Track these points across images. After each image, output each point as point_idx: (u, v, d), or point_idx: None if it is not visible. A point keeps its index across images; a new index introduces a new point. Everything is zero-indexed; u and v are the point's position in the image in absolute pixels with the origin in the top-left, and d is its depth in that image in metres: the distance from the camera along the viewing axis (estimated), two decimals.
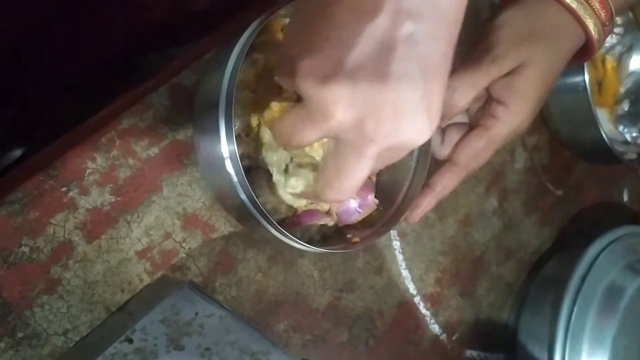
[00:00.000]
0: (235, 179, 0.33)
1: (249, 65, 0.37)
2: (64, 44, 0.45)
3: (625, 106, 0.66)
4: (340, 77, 0.24)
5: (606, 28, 0.41)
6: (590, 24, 0.40)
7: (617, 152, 0.60)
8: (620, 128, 0.66)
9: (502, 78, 0.40)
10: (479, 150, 0.41)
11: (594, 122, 0.58)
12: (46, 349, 0.33)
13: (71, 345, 0.33)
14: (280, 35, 0.38)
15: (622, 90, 0.66)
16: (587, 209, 0.67)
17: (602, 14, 0.40)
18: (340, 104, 0.25)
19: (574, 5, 0.39)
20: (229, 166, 0.33)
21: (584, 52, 0.42)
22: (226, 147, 0.33)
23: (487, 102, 0.41)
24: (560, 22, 0.40)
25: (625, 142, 0.66)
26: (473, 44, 0.42)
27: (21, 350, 0.32)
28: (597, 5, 0.39)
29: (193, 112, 0.38)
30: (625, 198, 0.72)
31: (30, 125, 0.57)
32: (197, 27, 0.47)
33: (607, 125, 0.65)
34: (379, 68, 0.24)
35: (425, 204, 0.41)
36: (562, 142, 0.63)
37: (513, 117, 0.40)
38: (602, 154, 0.61)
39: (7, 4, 0.40)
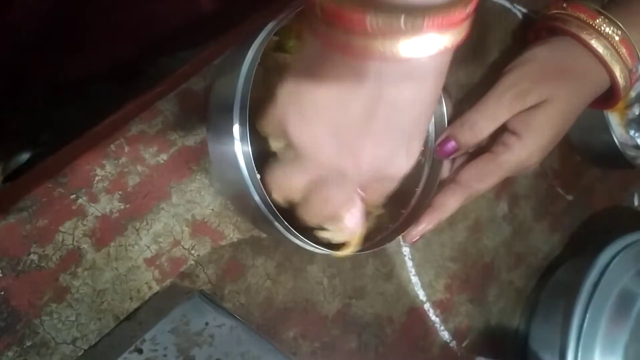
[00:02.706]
0: (249, 181, 0.33)
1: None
2: (71, 48, 0.45)
3: (636, 110, 0.65)
4: (326, 136, 0.27)
5: (633, 75, 0.41)
6: (617, 70, 0.40)
7: (628, 156, 0.59)
8: (631, 132, 0.65)
9: (522, 111, 0.40)
10: (484, 172, 0.41)
11: (605, 126, 0.57)
12: (55, 357, 0.32)
13: (80, 354, 0.32)
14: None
15: (632, 94, 0.66)
16: (598, 214, 0.66)
17: (629, 61, 0.40)
18: (325, 154, 0.28)
19: (600, 50, 0.39)
20: (244, 169, 0.33)
21: (609, 98, 0.42)
22: (240, 151, 0.32)
23: (500, 130, 0.41)
24: (587, 65, 0.40)
25: (636, 147, 0.65)
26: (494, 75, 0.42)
27: (29, 359, 0.32)
28: (624, 51, 0.39)
29: (206, 114, 0.38)
30: (636, 203, 0.72)
31: (37, 129, 0.57)
32: (205, 32, 0.47)
33: (617, 130, 0.64)
34: (361, 129, 0.27)
35: (425, 223, 0.41)
36: (573, 146, 0.63)
37: (524, 149, 0.40)
38: (613, 158, 0.60)
39: (17, 7, 0.40)
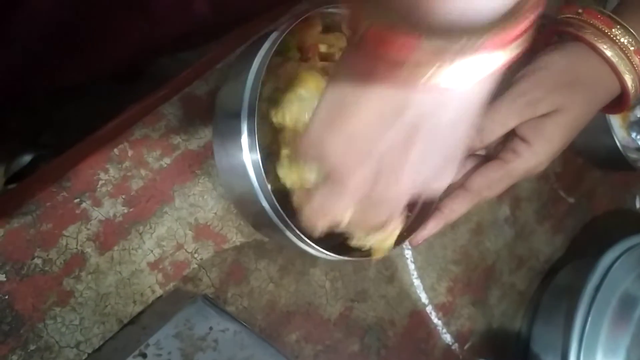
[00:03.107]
0: (259, 190, 0.33)
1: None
2: (72, 51, 0.45)
3: (638, 113, 0.65)
4: (365, 163, 0.27)
5: None
6: (629, 80, 0.39)
7: (630, 159, 0.59)
8: (633, 135, 0.66)
9: (532, 119, 0.40)
10: (494, 180, 0.40)
11: (607, 129, 0.57)
12: None
13: (84, 358, 0.33)
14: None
15: None
16: (600, 216, 0.66)
17: None
18: (365, 181, 0.28)
19: (614, 59, 0.39)
20: (251, 173, 0.33)
21: (617, 104, 0.42)
22: (248, 155, 0.33)
23: (509, 137, 0.41)
24: (600, 74, 0.40)
25: (638, 150, 0.65)
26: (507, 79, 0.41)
27: None
28: (636, 60, 0.39)
29: (212, 119, 0.38)
30: (638, 206, 0.72)
31: (38, 130, 0.57)
32: (200, 35, 0.47)
33: (619, 132, 0.64)
34: (401, 156, 0.26)
35: (431, 227, 0.41)
36: (575, 149, 0.63)
37: (533, 157, 0.40)
38: (615, 161, 0.60)
39: (22, 11, 0.40)
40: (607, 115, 0.58)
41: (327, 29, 0.39)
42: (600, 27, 0.39)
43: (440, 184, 0.30)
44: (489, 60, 0.21)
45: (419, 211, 0.41)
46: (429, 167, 0.28)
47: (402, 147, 0.26)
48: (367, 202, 0.30)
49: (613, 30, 0.38)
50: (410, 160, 0.27)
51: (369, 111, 0.25)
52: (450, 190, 0.41)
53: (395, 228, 0.37)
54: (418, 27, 0.20)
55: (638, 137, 0.65)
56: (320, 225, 0.32)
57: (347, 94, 0.26)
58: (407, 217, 0.41)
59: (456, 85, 0.21)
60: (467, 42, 0.20)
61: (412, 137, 0.25)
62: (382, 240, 0.37)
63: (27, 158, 0.56)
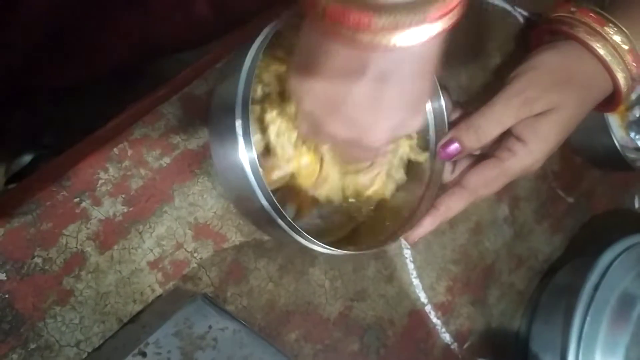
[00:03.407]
0: (255, 184, 0.33)
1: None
2: (72, 51, 0.45)
3: (637, 112, 0.65)
4: (337, 118, 0.31)
5: (635, 82, 0.41)
6: (621, 78, 0.40)
7: (628, 159, 0.59)
8: (632, 135, 0.66)
9: (528, 118, 0.40)
10: (490, 178, 0.41)
11: (605, 128, 0.58)
12: None
13: (84, 357, 0.33)
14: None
15: (633, 96, 0.66)
16: (599, 216, 0.66)
17: (633, 69, 0.40)
18: (340, 134, 0.32)
19: (607, 58, 0.39)
20: (248, 172, 0.33)
21: (610, 102, 0.42)
22: (245, 153, 0.33)
23: (505, 136, 0.41)
24: (593, 72, 0.40)
25: (637, 149, 0.65)
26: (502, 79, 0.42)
27: None
28: (629, 59, 0.39)
29: (208, 117, 0.38)
30: (637, 205, 0.72)
31: (38, 130, 0.57)
32: (201, 35, 0.47)
33: (618, 132, 0.64)
34: (370, 108, 0.30)
35: (428, 224, 0.41)
36: (573, 148, 0.63)
37: (529, 156, 0.40)
38: (613, 160, 0.60)
39: (21, 10, 0.40)
40: (605, 114, 0.58)
41: None
42: (593, 25, 0.39)
43: (412, 127, 0.33)
44: (431, 29, 0.25)
45: (415, 209, 0.41)
46: (399, 114, 0.31)
47: (370, 100, 0.29)
48: (347, 144, 0.33)
49: (605, 28, 0.39)
50: (380, 109, 0.30)
51: (334, 70, 0.29)
52: (447, 188, 0.42)
53: (380, 172, 0.40)
54: (370, 6, 0.24)
55: (637, 136, 0.65)
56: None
57: (311, 59, 0.29)
58: (403, 216, 0.42)
59: (409, 45, 0.25)
60: (413, 18, 0.24)
61: (378, 89, 0.29)
62: (369, 184, 0.40)
63: (27, 158, 0.56)
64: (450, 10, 0.25)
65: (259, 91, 0.37)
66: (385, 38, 0.24)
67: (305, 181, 0.38)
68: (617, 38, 0.39)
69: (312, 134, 0.34)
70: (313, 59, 0.29)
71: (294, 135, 0.37)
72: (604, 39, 0.39)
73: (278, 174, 0.37)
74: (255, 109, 0.36)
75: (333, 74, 0.29)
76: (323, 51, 0.28)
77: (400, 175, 0.42)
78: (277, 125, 0.36)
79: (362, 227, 0.43)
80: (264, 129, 0.36)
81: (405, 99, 0.30)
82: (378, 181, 0.41)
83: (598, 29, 0.39)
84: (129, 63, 0.48)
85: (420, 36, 0.24)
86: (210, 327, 0.30)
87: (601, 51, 0.39)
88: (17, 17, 0.40)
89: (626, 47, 0.38)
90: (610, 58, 0.39)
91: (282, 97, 0.37)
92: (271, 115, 0.36)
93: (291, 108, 0.36)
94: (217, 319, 0.31)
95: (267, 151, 0.37)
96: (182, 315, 0.30)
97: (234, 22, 0.43)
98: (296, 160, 0.37)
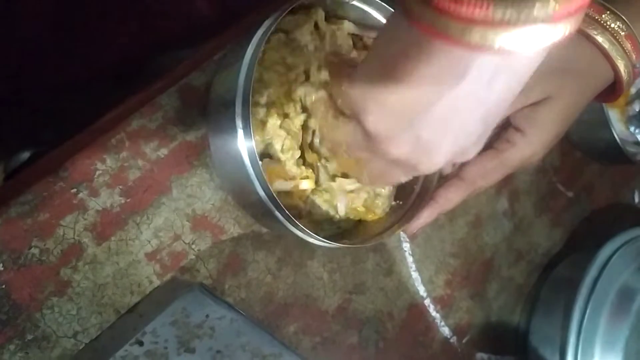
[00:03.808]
0: (253, 175, 0.33)
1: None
2: (72, 49, 0.45)
3: (637, 107, 0.65)
4: (405, 133, 0.27)
5: (636, 70, 0.41)
6: (621, 65, 0.39)
7: (628, 153, 0.59)
8: (632, 129, 0.66)
9: (525, 107, 0.40)
10: (488, 170, 0.40)
11: (605, 123, 0.57)
12: (56, 351, 0.32)
13: (81, 347, 0.33)
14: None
15: (633, 90, 0.66)
16: (599, 210, 0.66)
17: (633, 56, 0.39)
18: (400, 151, 0.28)
19: (606, 45, 0.39)
20: (247, 163, 0.33)
21: (611, 92, 0.42)
22: (244, 144, 0.33)
23: (504, 127, 0.41)
24: (592, 61, 0.40)
25: (637, 143, 0.65)
26: None
27: (30, 352, 0.32)
28: (628, 46, 0.39)
29: (207, 108, 0.38)
30: (637, 199, 0.72)
31: (38, 127, 0.57)
32: (203, 34, 0.47)
33: (618, 126, 0.64)
34: (443, 128, 0.26)
35: (426, 216, 0.41)
36: (573, 142, 0.63)
37: (528, 146, 0.40)
38: (613, 155, 0.60)
39: (22, 6, 0.40)
40: (605, 109, 0.58)
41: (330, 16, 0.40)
42: (590, 13, 0.39)
43: (468, 156, 0.30)
44: (551, 32, 0.21)
45: (413, 201, 0.41)
46: (471, 135, 0.28)
47: (446, 118, 0.26)
48: (397, 164, 0.30)
49: (603, 16, 0.38)
50: (450, 131, 0.27)
51: (420, 76, 0.25)
52: (445, 180, 0.42)
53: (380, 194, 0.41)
54: None
55: (636, 130, 0.65)
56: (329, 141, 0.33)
57: (397, 56, 0.25)
58: (402, 207, 0.41)
59: (521, 49, 0.21)
60: (539, 11, 0.20)
61: (459, 107, 0.25)
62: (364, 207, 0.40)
63: (26, 155, 0.56)
64: (577, 10, 0.21)
65: (264, 96, 0.37)
66: (498, 37, 0.20)
67: (300, 197, 0.38)
68: (615, 25, 0.38)
69: (359, 149, 0.31)
70: (397, 65, 0.26)
71: (298, 153, 0.37)
72: (602, 27, 0.38)
73: (278, 186, 0.37)
74: (258, 111, 0.36)
75: (421, 82, 0.25)
76: (413, 55, 0.24)
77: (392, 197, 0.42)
78: (282, 140, 0.36)
79: (361, 220, 0.43)
80: (265, 133, 0.36)
81: (483, 119, 0.27)
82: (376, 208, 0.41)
83: (596, 16, 0.38)
84: (129, 60, 0.48)
85: (540, 39, 0.21)
86: (207, 316, 0.30)
87: (599, 39, 0.38)
88: (17, 14, 0.40)
89: (624, 34, 0.38)
90: (608, 45, 0.39)
91: (287, 98, 0.37)
92: (273, 122, 0.36)
93: (295, 123, 0.36)
94: (214, 308, 0.31)
95: (266, 153, 0.37)
96: (179, 305, 0.30)
97: (235, 19, 0.43)
98: (296, 181, 0.37)
